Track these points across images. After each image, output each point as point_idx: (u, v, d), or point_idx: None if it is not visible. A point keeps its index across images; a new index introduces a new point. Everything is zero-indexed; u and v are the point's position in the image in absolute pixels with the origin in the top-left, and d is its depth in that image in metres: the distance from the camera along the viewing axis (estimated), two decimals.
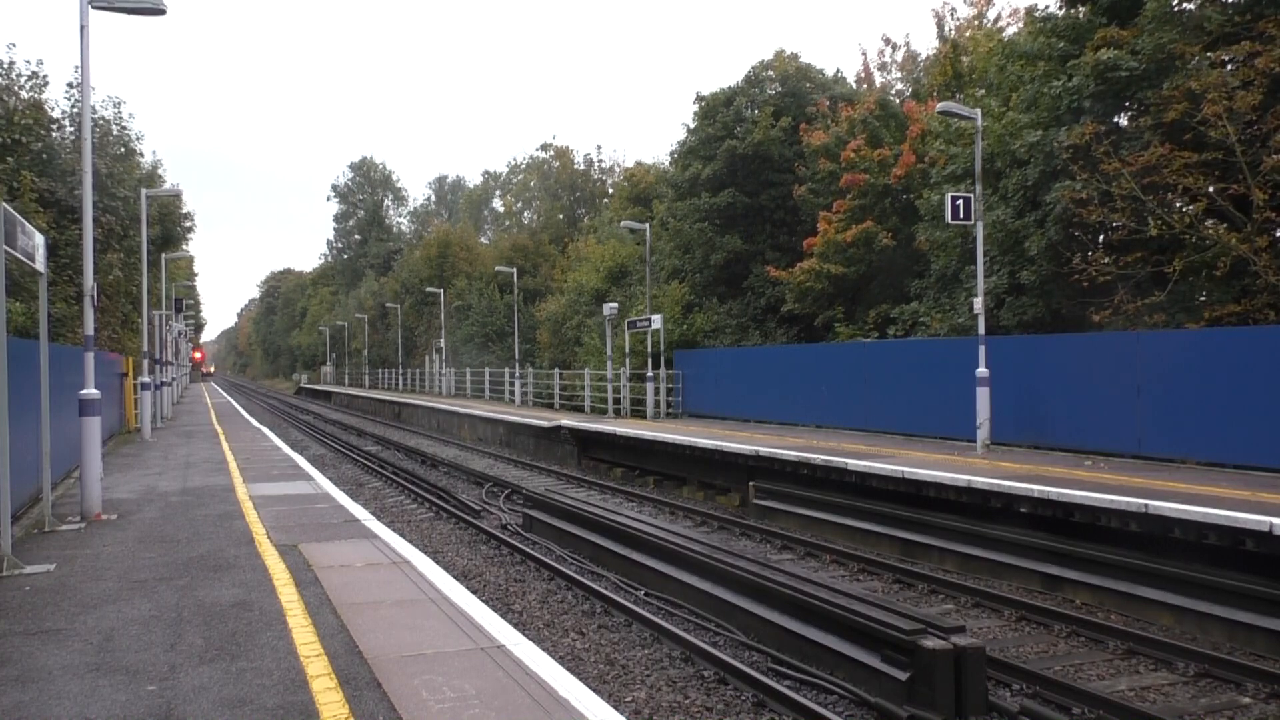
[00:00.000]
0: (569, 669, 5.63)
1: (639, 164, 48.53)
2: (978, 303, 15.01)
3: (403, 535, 10.57)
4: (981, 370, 14.68)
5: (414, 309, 58.16)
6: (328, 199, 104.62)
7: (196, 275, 56.96)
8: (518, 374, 34.80)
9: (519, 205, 70.15)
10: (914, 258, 21.77)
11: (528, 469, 22.12)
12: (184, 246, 32.96)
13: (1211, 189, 14.24)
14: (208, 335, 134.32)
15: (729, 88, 28.85)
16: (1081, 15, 17.00)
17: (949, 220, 15.46)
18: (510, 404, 34.40)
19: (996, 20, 28.65)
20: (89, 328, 10.31)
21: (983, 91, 20.47)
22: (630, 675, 7.41)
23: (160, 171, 29.70)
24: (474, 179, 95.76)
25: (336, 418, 44.79)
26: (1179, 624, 8.70)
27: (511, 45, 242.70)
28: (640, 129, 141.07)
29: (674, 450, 18.03)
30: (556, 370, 32.91)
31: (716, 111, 28.45)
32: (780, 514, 14.35)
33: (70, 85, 22.15)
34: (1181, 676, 7.44)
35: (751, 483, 15.21)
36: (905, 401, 17.83)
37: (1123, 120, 16.37)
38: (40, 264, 8.79)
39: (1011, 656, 7.75)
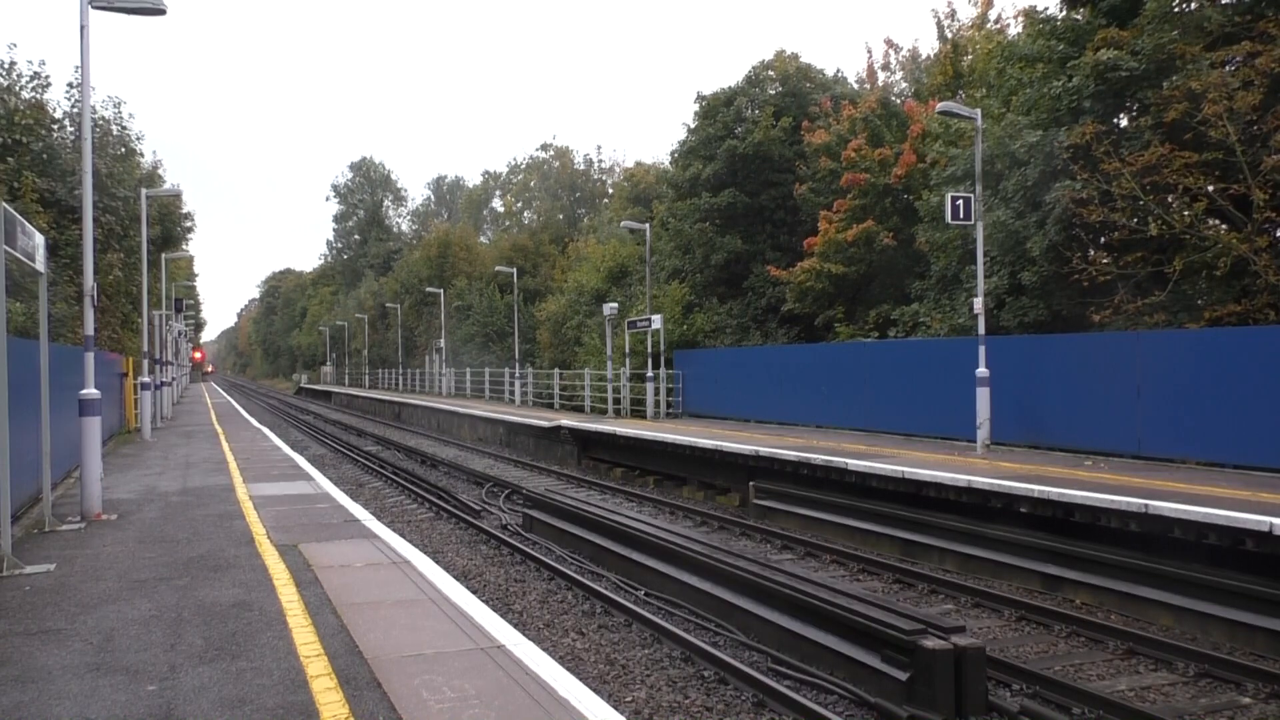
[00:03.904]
0: (569, 669, 5.63)
1: (639, 164, 48.62)
2: (978, 303, 15.01)
3: (403, 535, 10.56)
4: (981, 370, 14.68)
5: (414, 309, 58.16)
6: (327, 199, 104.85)
7: (196, 275, 57.01)
8: (518, 374, 34.81)
9: (519, 205, 70.20)
10: (915, 258, 21.76)
11: (528, 469, 22.12)
12: (184, 246, 32.97)
13: (1211, 189, 14.23)
14: (208, 335, 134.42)
15: (729, 88, 28.85)
16: (1081, 17, 17.00)
17: (949, 220, 15.47)
18: (510, 404, 34.40)
19: (998, 20, 28.66)
20: (89, 328, 10.31)
21: (983, 92, 20.46)
22: (630, 675, 7.41)
23: (160, 171, 29.73)
24: (474, 179, 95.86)
25: (336, 418, 44.79)
26: (1179, 624, 8.69)
27: (511, 45, 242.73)
28: (640, 129, 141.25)
29: (674, 450, 18.03)
30: (556, 370, 32.91)
31: (717, 111, 28.45)
32: (780, 514, 14.34)
33: (70, 85, 22.14)
34: (1181, 676, 7.44)
35: (751, 483, 15.21)
36: (905, 401, 17.83)
37: (1123, 120, 16.36)
38: (40, 264, 8.79)
39: (1011, 656, 7.75)
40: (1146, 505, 9.23)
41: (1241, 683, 7.21)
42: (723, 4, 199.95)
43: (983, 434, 14.71)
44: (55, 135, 21.04)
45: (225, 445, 19.20)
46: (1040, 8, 19.02)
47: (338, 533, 9.01)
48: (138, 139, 25.48)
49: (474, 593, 7.95)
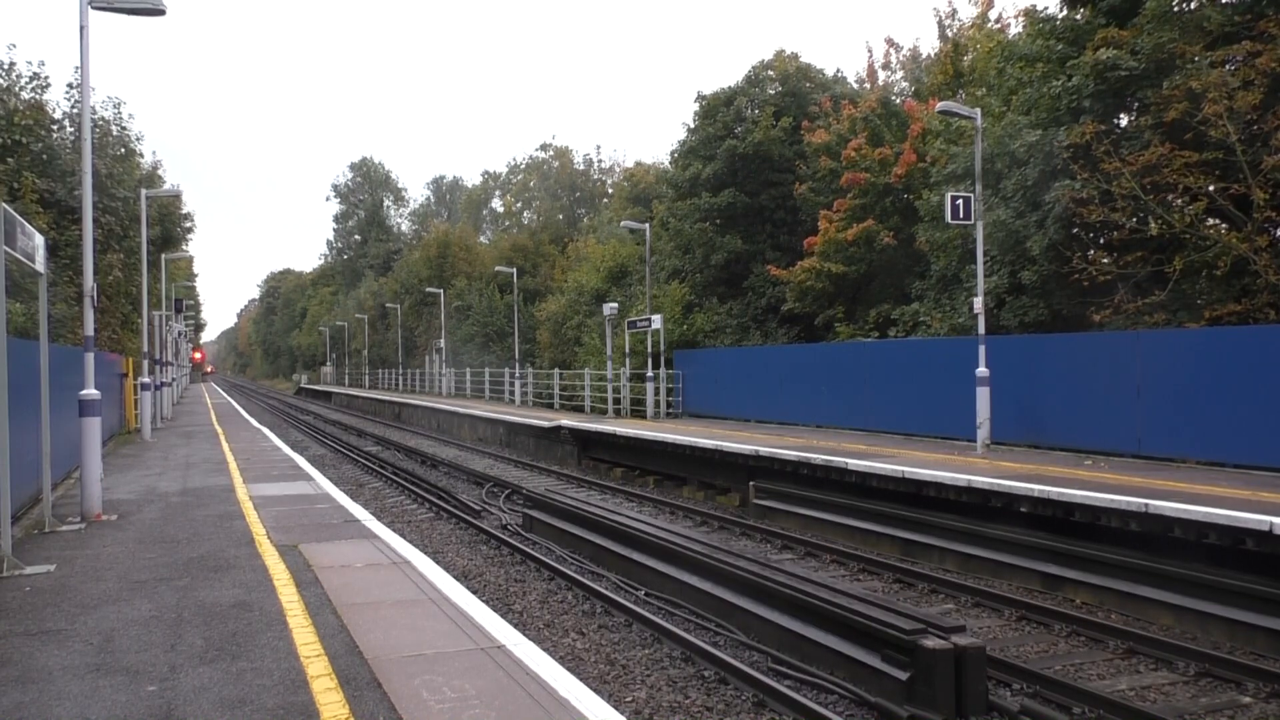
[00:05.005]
0: (569, 669, 5.62)
1: (639, 164, 48.63)
2: (977, 302, 15.01)
3: (403, 535, 10.55)
4: (981, 370, 14.68)
5: (414, 309, 58.15)
6: (327, 199, 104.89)
7: (196, 276, 56.99)
8: (518, 374, 34.80)
9: (519, 205, 70.18)
10: (915, 257, 21.76)
11: (528, 469, 22.12)
12: (184, 247, 32.95)
13: (1212, 188, 14.23)
14: (208, 335, 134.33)
15: (729, 87, 28.84)
16: (1081, 17, 16.99)
17: (949, 220, 15.46)
18: (510, 404, 34.39)
19: (998, 19, 28.65)
20: (89, 328, 10.31)
21: (983, 91, 20.45)
22: (630, 675, 7.41)
23: (160, 172, 29.72)
24: (474, 179, 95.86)
25: (336, 418, 44.78)
26: (1179, 623, 8.70)
27: (511, 45, 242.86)
28: (640, 129, 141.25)
29: (674, 450, 18.02)
30: (556, 370, 32.91)
31: (717, 111, 28.45)
32: (780, 514, 14.34)
33: (70, 86, 22.13)
34: (1181, 676, 7.44)
35: (751, 483, 15.20)
36: (905, 401, 17.82)
37: (1123, 120, 16.36)
38: (40, 264, 8.79)
39: (1012, 656, 7.75)
40: (1147, 505, 9.23)
41: (1242, 682, 7.21)
42: (723, 4, 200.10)
43: (983, 434, 14.70)
44: (55, 136, 21.05)
45: (225, 445, 19.20)
46: (1040, 7, 19.03)
47: (338, 533, 9.01)
48: (137, 139, 25.51)
49: (474, 593, 7.94)
